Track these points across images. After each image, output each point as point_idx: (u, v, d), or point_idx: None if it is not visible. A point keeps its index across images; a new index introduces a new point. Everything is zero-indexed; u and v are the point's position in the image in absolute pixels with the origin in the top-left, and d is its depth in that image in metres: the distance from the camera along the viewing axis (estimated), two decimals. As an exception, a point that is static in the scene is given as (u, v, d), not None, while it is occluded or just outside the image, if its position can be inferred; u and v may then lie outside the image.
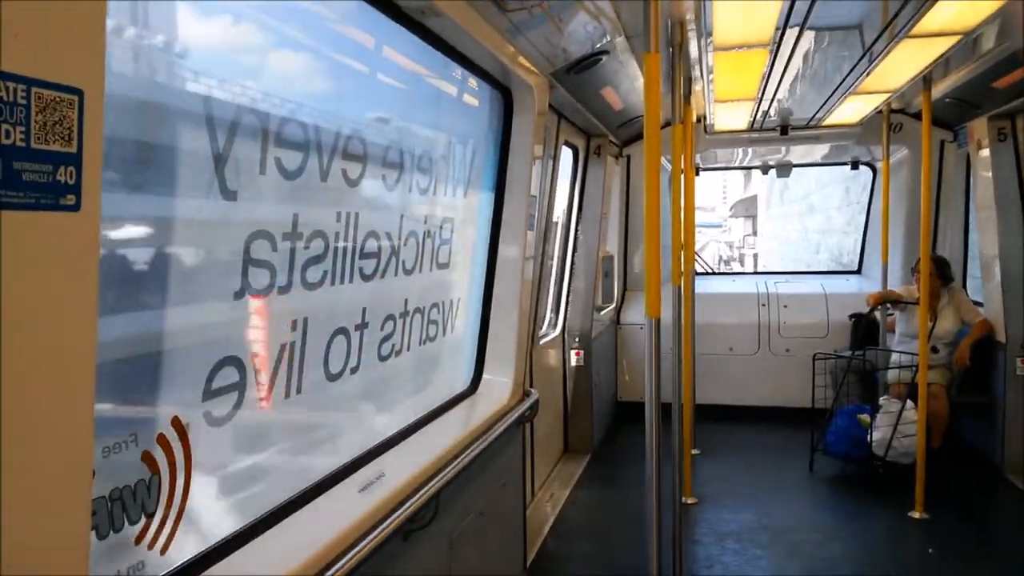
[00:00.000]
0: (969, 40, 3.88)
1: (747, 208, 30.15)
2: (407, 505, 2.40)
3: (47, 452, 1.11)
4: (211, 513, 1.85)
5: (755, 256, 26.76)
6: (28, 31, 1.01)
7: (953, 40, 3.88)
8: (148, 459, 1.62)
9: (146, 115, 1.59)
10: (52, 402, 1.11)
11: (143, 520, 1.61)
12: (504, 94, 3.66)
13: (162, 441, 1.65)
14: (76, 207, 1.11)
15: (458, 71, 3.20)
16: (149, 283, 1.65)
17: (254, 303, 1.89)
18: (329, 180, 2.21)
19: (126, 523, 1.57)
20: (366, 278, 2.50)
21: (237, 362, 1.86)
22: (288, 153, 1.98)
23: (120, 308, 1.56)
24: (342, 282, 2.32)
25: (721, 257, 29.03)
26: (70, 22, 1.08)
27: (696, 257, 8.54)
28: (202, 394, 1.76)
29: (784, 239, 22.27)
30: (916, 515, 4.88)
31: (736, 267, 29.05)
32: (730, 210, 33.85)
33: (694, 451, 5.89)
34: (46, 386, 1.10)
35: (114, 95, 1.44)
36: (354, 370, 2.48)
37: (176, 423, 1.68)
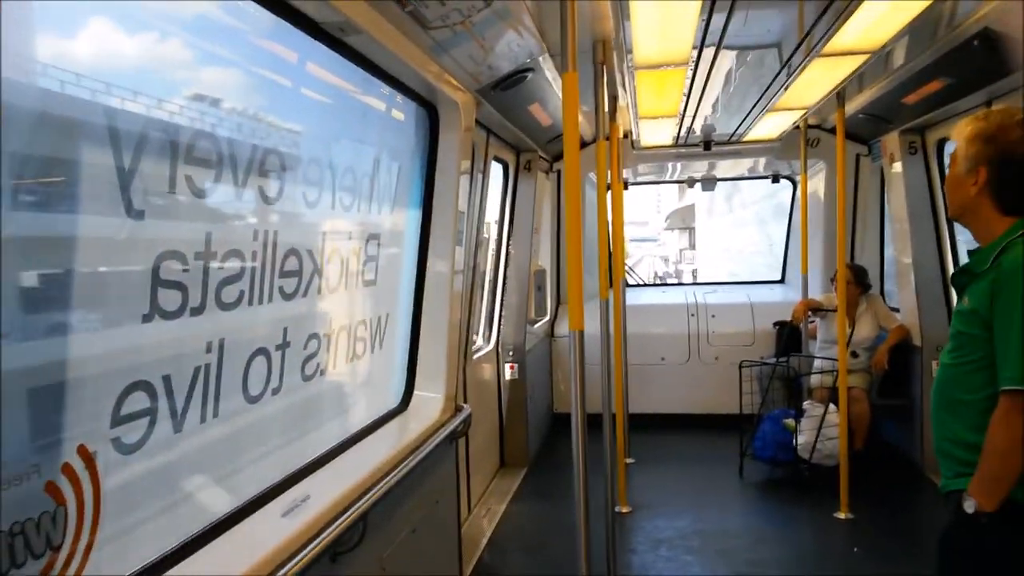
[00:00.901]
0: (880, 57, 4.06)
1: (684, 219, 29.35)
2: (333, 527, 2.36)
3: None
4: (123, 544, 1.78)
5: (694, 272, 25.95)
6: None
7: (864, 58, 4.05)
8: (53, 490, 1.56)
9: (46, 128, 1.55)
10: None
11: (48, 554, 1.55)
12: (430, 110, 3.67)
13: (68, 471, 1.59)
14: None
15: (383, 87, 3.19)
16: (52, 306, 1.60)
17: (164, 325, 1.84)
18: (244, 198, 2.18)
19: (29, 558, 1.50)
20: (287, 297, 2.46)
21: (147, 386, 1.81)
22: (199, 170, 1.94)
23: (21, 334, 1.50)
24: (260, 302, 2.28)
25: (656, 273, 28.45)
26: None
27: (629, 271, 8.68)
28: (110, 421, 1.71)
29: (734, 251, 21.45)
30: (841, 516, 5.03)
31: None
32: (665, 221, 33.02)
33: (628, 460, 5.96)
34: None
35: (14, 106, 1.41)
36: (276, 391, 2.44)
37: (83, 451, 1.63)
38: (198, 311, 1.96)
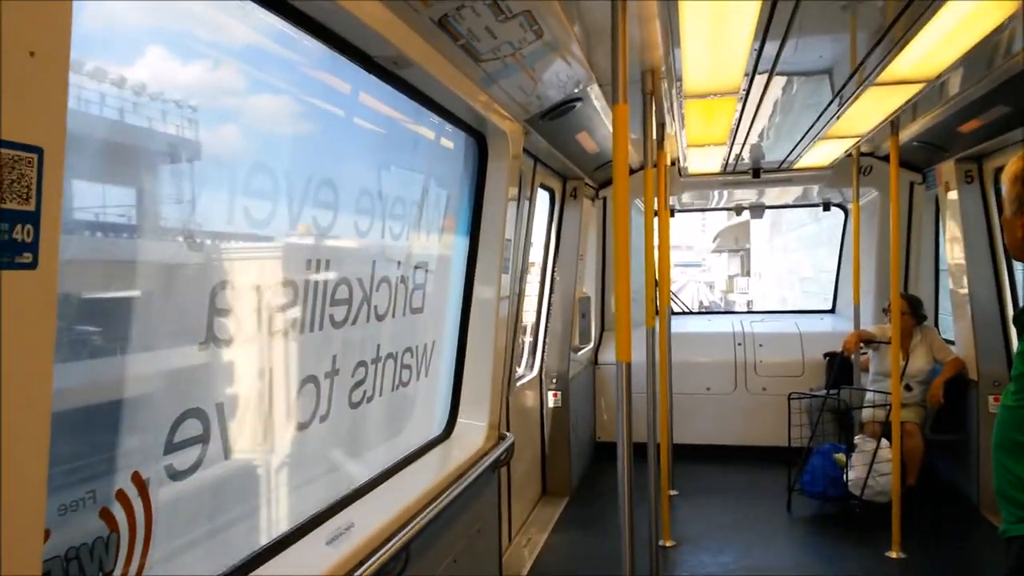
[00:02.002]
0: (935, 86, 3.98)
1: (735, 240, 25.31)
2: (376, 556, 2.36)
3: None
4: (171, 569, 1.80)
5: (749, 304, 22.12)
6: (-14, 91, 1.01)
7: (919, 86, 3.97)
8: (106, 516, 1.58)
9: (114, 158, 1.59)
10: (6, 460, 1.08)
11: (100, 579, 1.57)
12: (479, 139, 3.69)
13: (121, 497, 1.61)
14: (33, 265, 1.10)
15: (433, 117, 3.23)
16: (111, 332, 1.63)
17: (219, 352, 1.87)
18: (299, 228, 2.21)
19: (82, 583, 1.53)
20: (337, 325, 2.49)
21: (201, 414, 1.84)
22: (256, 202, 1.98)
23: (79, 358, 1.53)
24: (311, 330, 2.30)
25: (701, 303, 25.31)
26: (31, 81, 1.08)
27: (673, 297, 8.59)
28: (164, 447, 1.73)
29: (801, 279, 17.43)
30: (893, 555, 4.86)
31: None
32: (713, 241, 28.70)
33: (672, 492, 5.85)
34: (0, 443, 1.07)
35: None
36: (323, 418, 2.46)
37: (136, 478, 1.65)
38: (251, 339, 1.99)
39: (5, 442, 1.08)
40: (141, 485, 1.66)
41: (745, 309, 19.97)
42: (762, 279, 23.23)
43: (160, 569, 1.74)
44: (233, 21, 1.96)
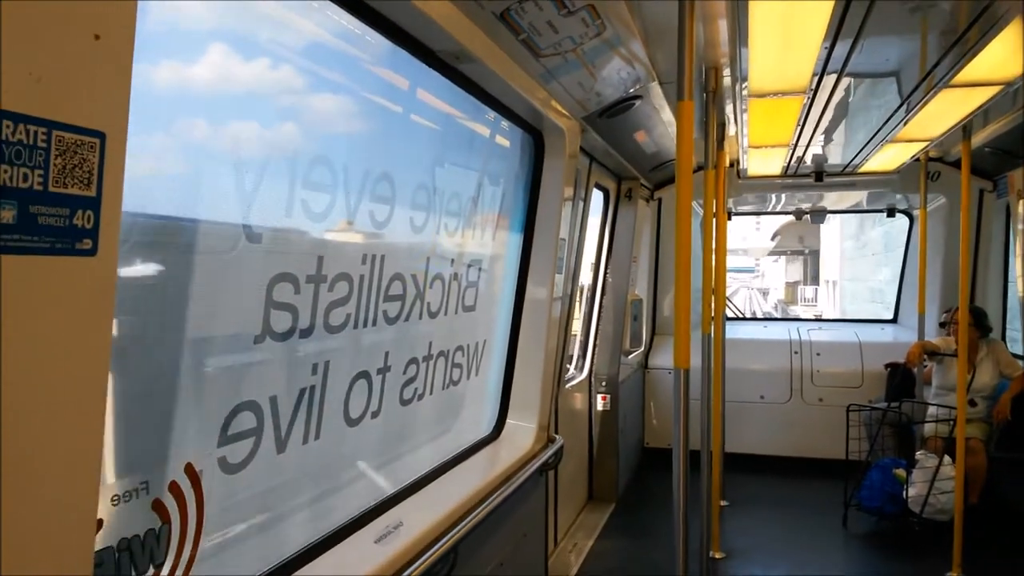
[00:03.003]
0: (1010, 91, 3.81)
1: (799, 239, 21.07)
2: (424, 557, 2.33)
3: (52, 494, 1.07)
4: (220, 563, 1.79)
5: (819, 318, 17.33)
6: (51, 74, 0.99)
7: (993, 91, 3.81)
8: (159, 507, 1.57)
9: (170, 152, 1.58)
10: (62, 448, 1.07)
11: (151, 571, 1.56)
12: (535, 136, 3.65)
13: (174, 489, 1.60)
14: (93, 251, 1.08)
15: (489, 113, 3.19)
16: (168, 324, 1.62)
17: (275, 346, 1.86)
18: (356, 222, 2.19)
19: (133, 574, 1.52)
20: (390, 321, 2.46)
21: (255, 406, 1.82)
22: (315, 195, 1.96)
23: (136, 350, 1.53)
24: (365, 325, 2.28)
25: (754, 315, 20.65)
26: (95, 64, 1.06)
27: (727, 302, 8.42)
28: (218, 439, 1.72)
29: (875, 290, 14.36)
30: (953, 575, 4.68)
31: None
32: (771, 240, 23.89)
33: (723, 502, 5.72)
34: (57, 431, 1.06)
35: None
36: (375, 415, 2.43)
37: (189, 470, 1.64)
38: (307, 333, 1.97)
39: (61, 430, 1.07)
40: (195, 476, 1.65)
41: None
42: (836, 288, 19.31)
43: (211, 562, 1.73)
44: (299, 18, 1.95)
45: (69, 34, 1.02)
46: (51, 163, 1.01)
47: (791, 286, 23.60)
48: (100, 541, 1.43)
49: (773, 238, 23.60)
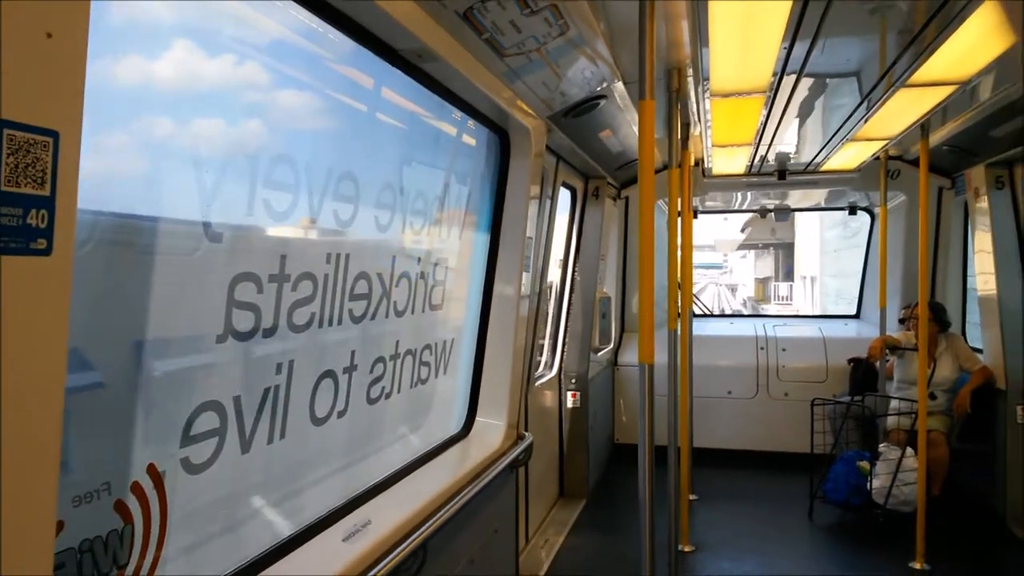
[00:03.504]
0: (967, 89, 3.90)
1: (772, 231, 19.38)
2: (393, 554, 2.34)
3: (10, 500, 1.06)
4: (185, 564, 1.78)
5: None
6: (2, 73, 0.99)
7: (950, 89, 3.89)
8: (121, 508, 1.56)
9: (130, 150, 1.58)
10: (19, 449, 1.07)
11: (115, 572, 1.55)
12: (501, 135, 3.66)
13: (136, 489, 1.59)
14: (47, 251, 1.08)
15: (456, 112, 3.20)
16: (127, 324, 1.61)
17: (237, 346, 1.85)
18: (320, 221, 2.19)
19: (96, 575, 1.51)
20: (356, 320, 2.46)
21: (218, 406, 1.82)
22: (277, 194, 1.96)
23: (96, 350, 1.52)
24: (330, 324, 2.28)
25: (723, 312, 19.78)
26: (47, 63, 1.05)
27: (694, 299, 8.50)
28: (180, 440, 1.71)
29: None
30: (917, 566, 4.77)
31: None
32: (741, 232, 22.32)
33: (692, 497, 5.79)
34: (11, 433, 1.06)
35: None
36: (341, 414, 2.43)
37: (152, 470, 1.63)
38: (270, 332, 1.97)
39: (17, 431, 1.06)
40: (157, 477, 1.64)
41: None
42: (815, 285, 17.55)
43: (175, 564, 1.73)
44: (260, 15, 1.94)
45: (20, 32, 1.01)
46: (2, 162, 1.00)
47: (762, 282, 22.45)
48: (61, 542, 1.42)
49: (743, 230, 22.00)
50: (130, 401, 1.60)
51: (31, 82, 1.03)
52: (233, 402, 1.87)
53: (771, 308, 20.18)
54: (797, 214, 19.47)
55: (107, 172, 1.52)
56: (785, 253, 20.37)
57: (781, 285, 20.24)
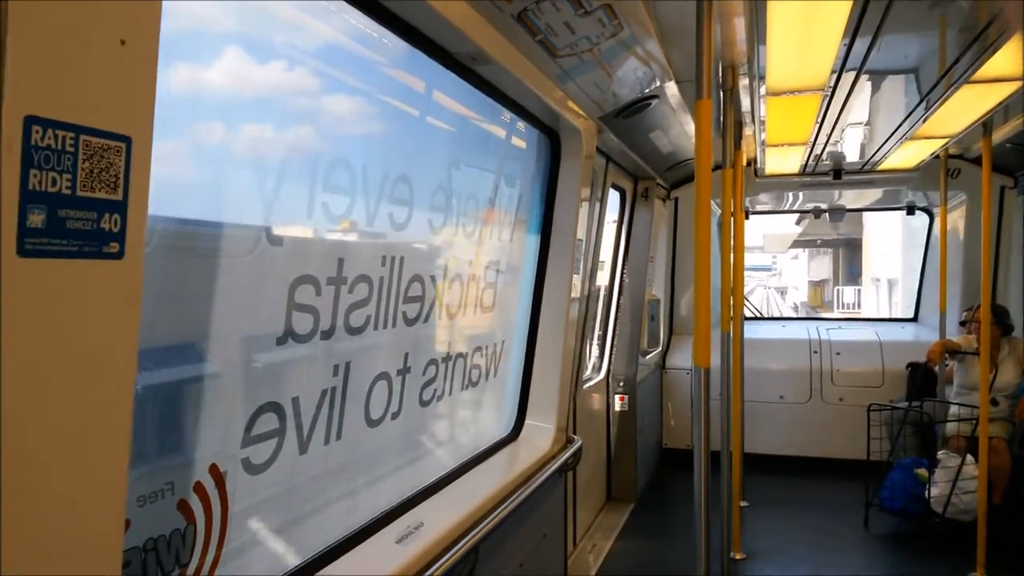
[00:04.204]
0: None
1: (835, 225, 14.96)
2: (445, 557, 2.34)
3: (81, 497, 1.08)
4: (244, 563, 1.80)
5: None
6: (77, 80, 1.01)
7: (1014, 86, 3.77)
8: (184, 508, 1.59)
9: (190, 155, 1.60)
10: (90, 450, 1.09)
11: (177, 571, 1.58)
12: (552, 137, 3.64)
13: (199, 489, 1.62)
14: (120, 255, 1.09)
15: (506, 114, 3.19)
16: (192, 326, 1.64)
17: (297, 348, 1.87)
18: (375, 224, 2.20)
19: (159, 574, 1.53)
20: (409, 322, 2.47)
21: (277, 408, 1.83)
22: (335, 197, 1.97)
23: (161, 352, 1.54)
24: (385, 327, 2.29)
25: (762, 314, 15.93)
26: (120, 69, 1.07)
27: (745, 301, 8.38)
28: (241, 440, 1.73)
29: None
30: None
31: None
32: (797, 224, 18.72)
33: (743, 503, 5.69)
34: (83, 433, 1.07)
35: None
36: (395, 416, 2.44)
37: (214, 471, 1.65)
38: (328, 335, 1.98)
39: (90, 432, 1.08)
40: (219, 477, 1.66)
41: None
42: (893, 290, 14.58)
43: (235, 562, 1.75)
44: (318, 22, 1.96)
45: (95, 40, 1.03)
46: (79, 167, 1.02)
47: (817, 285, 20.04)
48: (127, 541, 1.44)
49: (799, 222, 18.96)
50: (195, 402, 1.62)
51: (106, 88, 1.05)
52: (292, 403, 1.89)
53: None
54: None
55: (171, 178, 1.54)
56: (847, 252, 18.06)
57: (846, 290, 17.69)
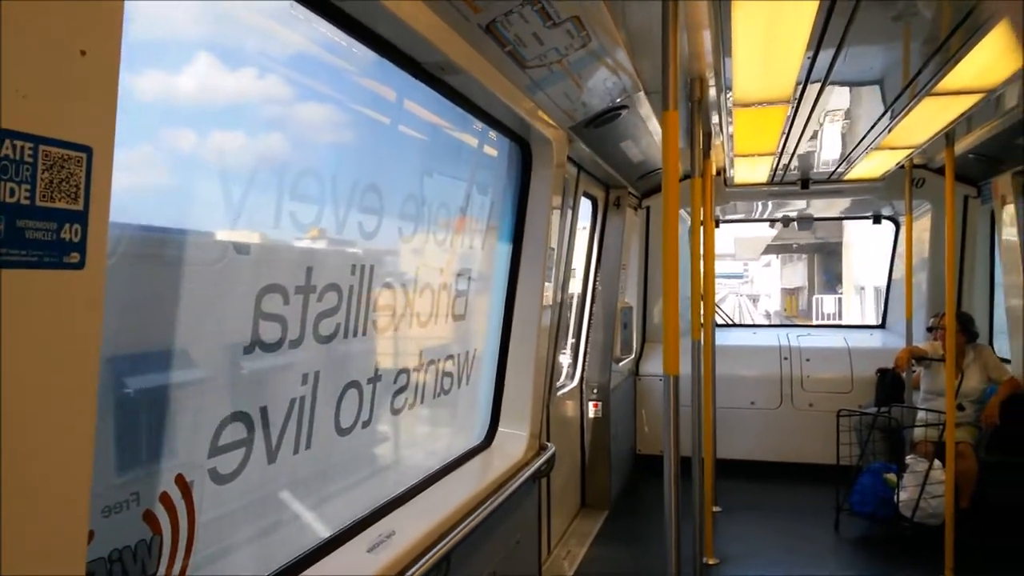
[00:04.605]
0: (992, 98, 3.86)
1: (812, 231, 12.88)
2: (417, 565, 2.33)
3: (44, 509, 1.08)
4: (215, 573, 1.79)
5: None
6: (37, 90, 1.01)
7: (976, 98, 3.86)
8: (150, 518, 1.58)
9: (155, 162, 1.60)
10: (52, 459, 1.08)
11: (143, 580, 1.57)
12: (523, 146, 3.67)
13: (165, 500, 1.61)
14: (81, 265, 1.09)
15: (477, 123, 3.21)
16: (156, 336, 1.63)
17: (264, 357, 1.87)
18: (344, 233, 2.20)
19: (125, 585, 1.52)
20: (380, 330, 2.47)
21: (245, 417, 1.83)
22: (303, 206, 1.97)
23: (125, 362, 1.53)
24: (355, 335, 2.29)
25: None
26: (81, 80, 1.07)
27: (716, 308, 8.46)
28: (208, 451, 1.73)
29: None
30: None
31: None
32: (771, 227, 17.78)
33: (715, 508, 5.74)
34: (45, 444, 1.07)
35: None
36: (365, 424, 2.44)
37: (180, 481, 1.65)
38: (296, 343, 1.98)
39: (51, 442, 1.08)
40: (186, 488, 1.65)
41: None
42: (879, 299, 14.15)
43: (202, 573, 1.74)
44: (287, 30, 1.97)
45: (55, 50, 1.03)
46: (38, 177, 1.02)
47: (791, 294, 19.48)
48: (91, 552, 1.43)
49: (772, 225, 18.53)
50: (161, 411, 1.62)
51: (65, 99, 1.05)
52: (260, 413, 1.88)
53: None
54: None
55: (135, 186, 1.54)
56: (823, 258, 17.34)
57: (825, 299, 17.07)
